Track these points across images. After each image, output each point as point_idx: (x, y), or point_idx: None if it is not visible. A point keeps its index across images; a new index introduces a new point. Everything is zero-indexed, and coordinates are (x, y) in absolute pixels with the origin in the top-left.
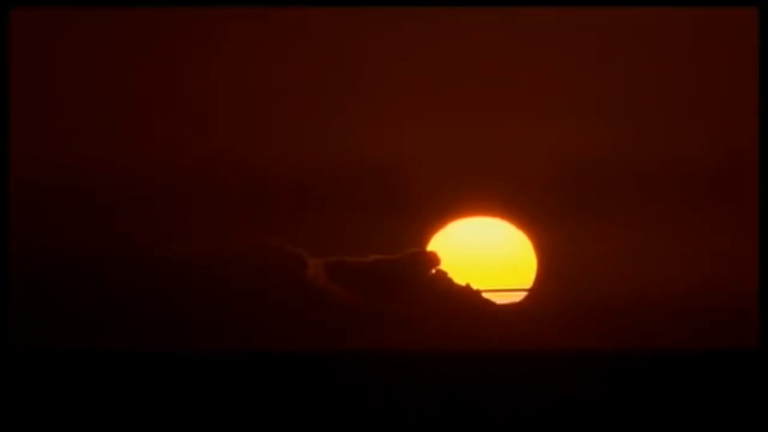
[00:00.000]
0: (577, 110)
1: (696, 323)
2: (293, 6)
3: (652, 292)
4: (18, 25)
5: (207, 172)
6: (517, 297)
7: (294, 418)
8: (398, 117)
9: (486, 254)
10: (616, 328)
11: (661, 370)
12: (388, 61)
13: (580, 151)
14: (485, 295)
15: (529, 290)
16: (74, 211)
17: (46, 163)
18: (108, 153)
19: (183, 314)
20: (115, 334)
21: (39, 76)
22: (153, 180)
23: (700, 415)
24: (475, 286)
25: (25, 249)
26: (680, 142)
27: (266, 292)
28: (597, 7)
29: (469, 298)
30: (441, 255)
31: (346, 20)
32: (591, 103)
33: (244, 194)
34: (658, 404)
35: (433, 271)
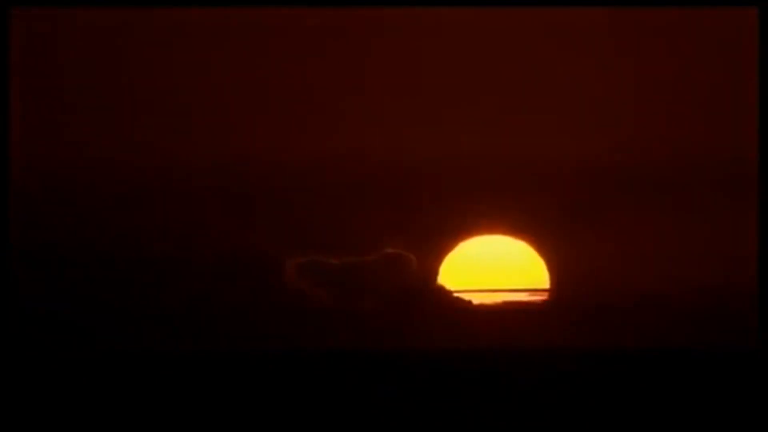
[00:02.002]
0: (576, 112)
1: (696, 323)
2: (293, 6)
3: (652, 292)
4: (18, 25)
5: (199, 173)
6: (541, 297)
7: (267, 418)
8: (394, 122)
9: (499, 268)
10: (616, 327)
11: (661, 370)
12: (385, 61)
13: (578, 153)
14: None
15: (548, 290)
16: (73, 211)
17: (46, 163)
18: (107, 153)
19: (158, 315)
20: (100, 334)
21: (39, 76)
22: (141, 181)
23: (699, 415)
24: (450, 286)
25: (21, 249)
26: (680, 142)
27: (241, 292)
28: (597, 8)
29: (443, 298)
30: (456, 275)
31: (345, 21)
32: (590, 104)
33: (242, 195)
34: (658, 404)
35: (407, 272)
